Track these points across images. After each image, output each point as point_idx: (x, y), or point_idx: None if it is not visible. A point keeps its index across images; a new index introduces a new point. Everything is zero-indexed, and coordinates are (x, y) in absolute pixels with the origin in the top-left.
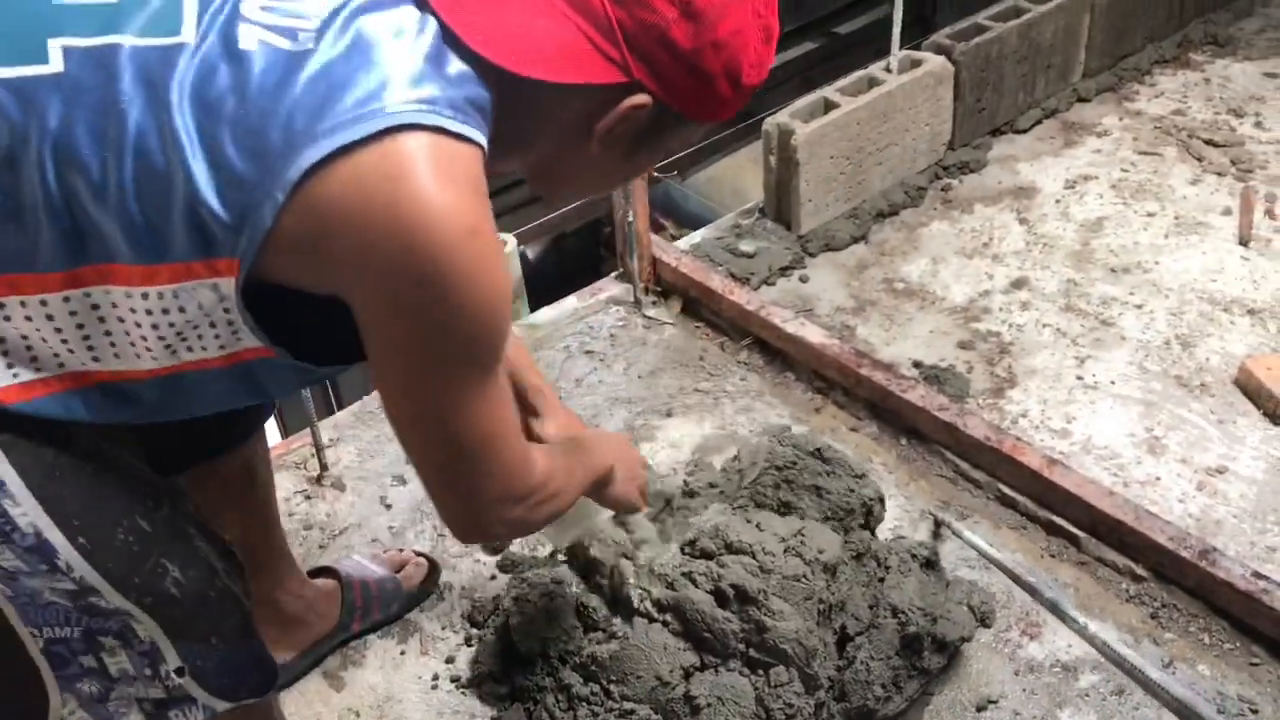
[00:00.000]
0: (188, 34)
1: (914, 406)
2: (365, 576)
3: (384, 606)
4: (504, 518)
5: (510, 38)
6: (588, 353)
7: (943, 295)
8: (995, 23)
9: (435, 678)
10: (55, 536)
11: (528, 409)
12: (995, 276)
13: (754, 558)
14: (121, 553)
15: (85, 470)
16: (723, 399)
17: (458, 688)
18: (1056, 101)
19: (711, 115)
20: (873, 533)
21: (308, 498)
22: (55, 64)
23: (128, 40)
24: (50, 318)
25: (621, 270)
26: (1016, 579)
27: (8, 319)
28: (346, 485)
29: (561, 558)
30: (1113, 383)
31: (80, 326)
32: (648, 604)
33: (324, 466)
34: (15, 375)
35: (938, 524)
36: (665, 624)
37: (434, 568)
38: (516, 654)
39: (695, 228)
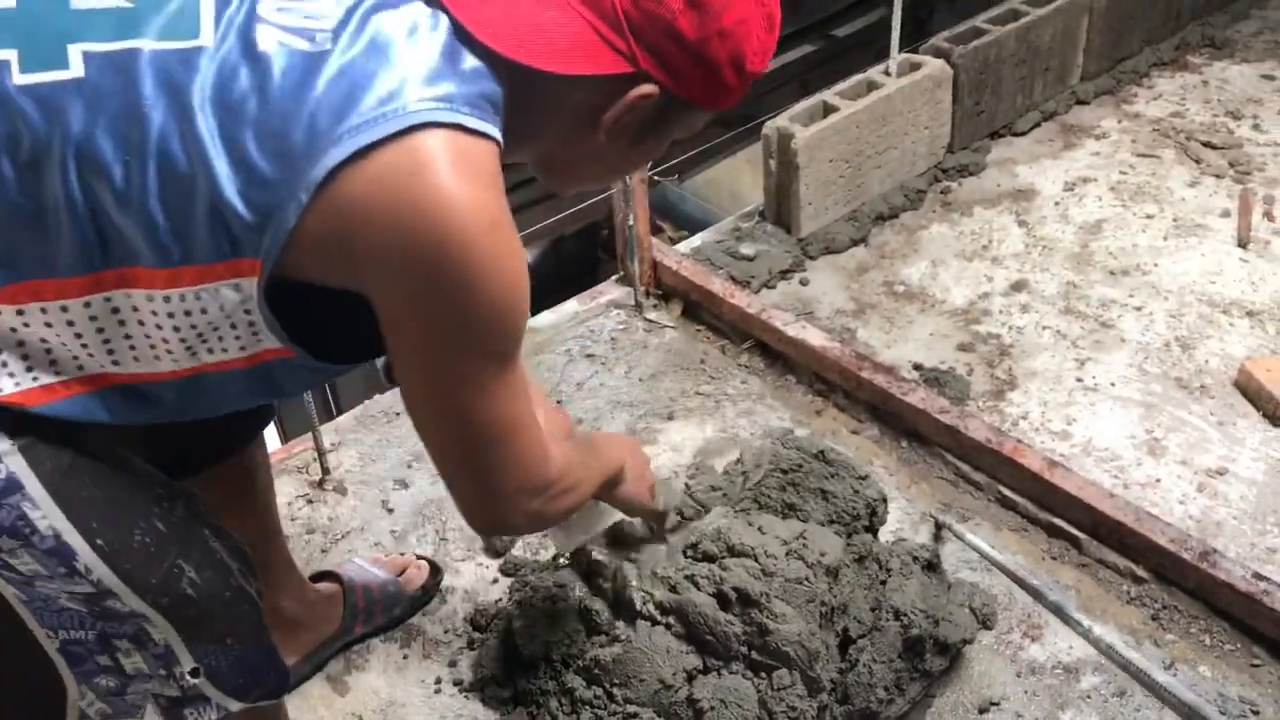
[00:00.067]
0: (206, 37)
1: (915, 409)
2: (367, 580)
3: (386, 610)
4: (524, 509)
5: (520, 31)
6: (589, 356)
7: (943, 298)
8: (993, 26)
9: (438, 682)
10: (74, 539)
11: None
12: (995, 279)
13: (756, 561)
14: (139, 554)
15: (102, 472)
16: (724, 402)
17: (461, 692)
18: (1055, 104)
19: (717, 103)
20: (875, 535)
21: (310, 502)
22: (76, 69)
23: (147, 44)
24: (70, 323)
25: (622, 274)
26: (1019, 581)
27: (27, 324)
28: (348, 489)
29: (563, 561)
30: (1113, 385)
31: (100, 330)
32: (650, 607)
33: (326, 471)
34: (35, 379)
35: (939, 526)
36: (668, 627)
37: (436, 571)
38: (519, 658)
39: (693, 230)
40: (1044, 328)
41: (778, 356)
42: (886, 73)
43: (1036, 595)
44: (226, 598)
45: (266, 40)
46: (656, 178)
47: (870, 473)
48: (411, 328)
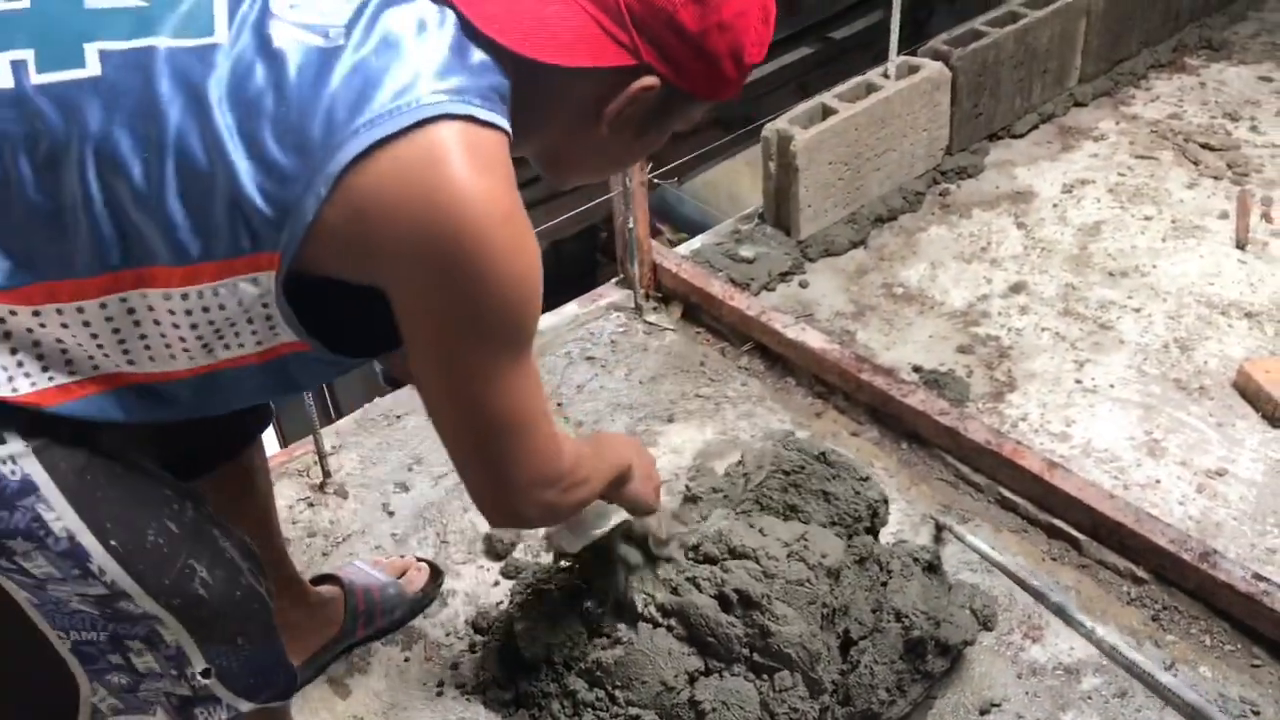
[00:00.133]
0: (221, 34)
1: (914, 411)
2: (368, 583)
3: (387, 612)
4: (537, 500)
5: (525, 25)
6: (589, 359)
7: (942, 300)
8: (992, 28)
9: (440, 684)
10: (88, 540)
11: None
12: (994, 281)
13: (757, 562)
14: (152, 555)
15: (115, 473)
16: (724, 404)
17: (463, 694)
18: (1053, 106)
19: (717, 94)
20: (876, 536)
21: (310, 505)
22: (92, 68)
23: (162, 42)
24: (86, 324)
25: (622, 276)
26: (1019, 582)
27: (44, 325)
28: (349, 492)
29: (565, 563)
30: (1112, 386)
31: (116, 331)
32: (652, 609)
33: (326, 474)
34: (51, 379)
35: (939, 528)
36: (670, 629)
37: (436, 573)
38: (521, 660)
39: (693, 232)
40: (1043, 329)
41: (777, 359)
42: (885, 75)
43: (1038, 596)
44: (237, 597)
45: (281, 37)
46: (656, 180)
47: (871, 474)
48: (426, 319)
